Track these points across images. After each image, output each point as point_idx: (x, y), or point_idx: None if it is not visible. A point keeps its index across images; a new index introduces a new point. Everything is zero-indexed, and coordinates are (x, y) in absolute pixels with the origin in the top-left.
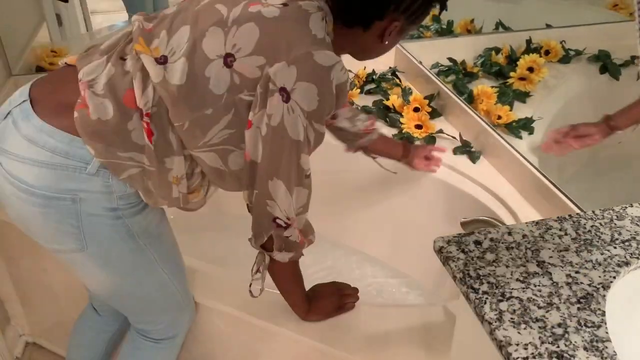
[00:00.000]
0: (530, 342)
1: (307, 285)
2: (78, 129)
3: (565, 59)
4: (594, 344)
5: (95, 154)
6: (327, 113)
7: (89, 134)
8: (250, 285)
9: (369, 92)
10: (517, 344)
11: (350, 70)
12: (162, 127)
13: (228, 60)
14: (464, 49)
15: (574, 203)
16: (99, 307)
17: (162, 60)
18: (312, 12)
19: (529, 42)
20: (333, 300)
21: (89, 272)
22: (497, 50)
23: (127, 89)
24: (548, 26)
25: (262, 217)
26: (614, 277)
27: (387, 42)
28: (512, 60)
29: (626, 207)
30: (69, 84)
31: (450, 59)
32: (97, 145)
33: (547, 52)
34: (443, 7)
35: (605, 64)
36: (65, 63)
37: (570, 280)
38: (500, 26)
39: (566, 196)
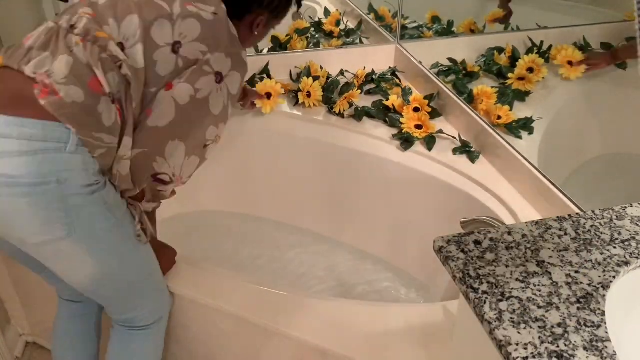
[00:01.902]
0: (530, 342)
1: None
2: (54, 113)
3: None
4: (594, 343)
5: (75, 132)
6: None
7: (67, 115)
8: (138, 236)
9: (368, 92)
10: (517, 344)
11: (348, 71)
12: (126, 106)
13: (176, 47)
14: (465, 49)
15: (573, 203)
16: (74, 296)
17: (120, 47)
18: (227, 18)
19: (540, 46)
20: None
21: (76, 260)
22: (500, 50)
23: (90, 76)
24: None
25: (143, 172)
26: (614, 277)
27: (256, 33)
28: (515, 60)
29: (626, 207)
30: (9, 80)
31: (450, 59)
32: (75, 126)
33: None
34: (299, 5)
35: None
36: None
37: (570, 280)
38: (509, 27)
39: (566, 196)
